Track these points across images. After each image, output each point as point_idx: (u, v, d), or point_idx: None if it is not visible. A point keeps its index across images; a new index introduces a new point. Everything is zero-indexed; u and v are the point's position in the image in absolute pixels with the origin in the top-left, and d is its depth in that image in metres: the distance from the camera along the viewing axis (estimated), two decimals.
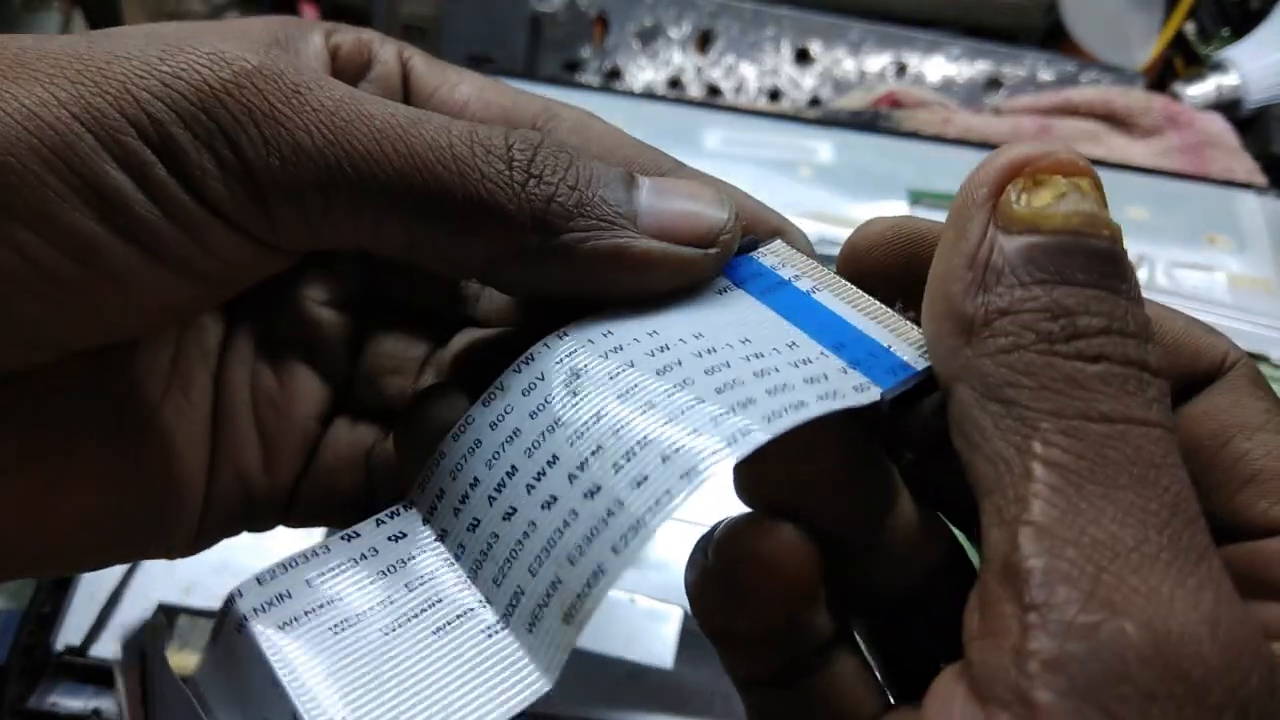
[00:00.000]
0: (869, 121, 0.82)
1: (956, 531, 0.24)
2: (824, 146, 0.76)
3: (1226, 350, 0.23)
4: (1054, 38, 0.94)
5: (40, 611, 0.51)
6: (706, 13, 0.88)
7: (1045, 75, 0.89)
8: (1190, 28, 0.95)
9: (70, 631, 0.51)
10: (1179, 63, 0.95)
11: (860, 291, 0.24)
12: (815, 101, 0.88)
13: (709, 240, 0.24)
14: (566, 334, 0.23)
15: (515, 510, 0.22)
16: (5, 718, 0.48)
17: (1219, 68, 0.89)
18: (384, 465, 0.28)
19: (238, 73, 0.21)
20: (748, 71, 0.88)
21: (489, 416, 0.23)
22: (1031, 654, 0.17)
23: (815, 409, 0.21)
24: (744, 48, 0.88)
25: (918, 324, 0.23)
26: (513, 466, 0.22)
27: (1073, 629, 0.17)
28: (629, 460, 0.21)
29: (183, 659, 0.51)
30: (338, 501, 0.28)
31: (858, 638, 0.25)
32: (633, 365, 0.22)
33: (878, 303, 0.24)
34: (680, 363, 0.22)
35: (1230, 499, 0.21)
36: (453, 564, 0.23)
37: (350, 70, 0.27)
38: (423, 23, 0.83)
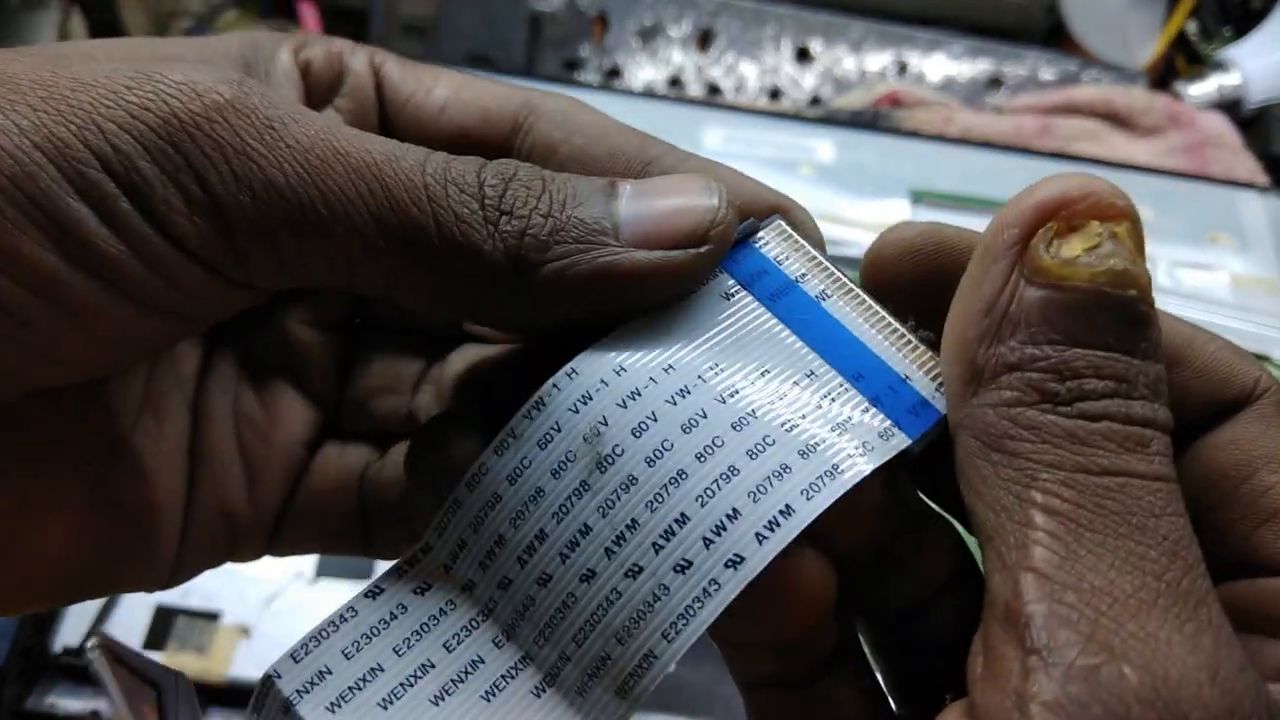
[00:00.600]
0: (870, 120, 0.82)
1: (966, 536, 0.24)
2: (825, 146, 0.76)
3: (1258, 377, 0.22)
4: (1055, 36, 0.94)
5: (38, 613, 0.51)
6: (707, 11, 0.88)
7: (1047, 74, 0.89)
8: (1192, 27, 0.94)
9: (68, 633, 0.50)
10: (1181, 62, 0.94)
11: (871, 302, 0.23)
12: (816, 100, 0.87)
13: (700, 237, 0.22)
14: (576, 373, 0.22)
15: (550, 578, 0.21)
16: (4, 718, 0.48)
17: (1221, 67, 0.89)
18: (378, 489, 0.27)
19: (209, 105, 0.20)
20: (748, 70, 0.88)
21: (505, 468, 0.22)
22: (1032, 696, 0.17)
23: (850, 477, 0.21)
24: (744, 46, 0.88)
25: (932, 343, 0.22)
26: (541, 531, 0.21)
27: (1073, 672, 0.17)
28: (668, 540, 0.20)
29: (182, 660, 0.51)
30: (327, 529, 0.27)
31: (863, 643, 0.24)
32: (655, 419, 0.21)
33: (890, 318, 0.23)
34: (705, 415, 0.21)
35: (1250, 534, 0.21)
36: (485, 619, 0.22)
37: (322, 85, 0.26)
38: (422, 22, 0.82)
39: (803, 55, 0.89)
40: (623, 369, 0.22)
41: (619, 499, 0.21)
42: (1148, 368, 0.19)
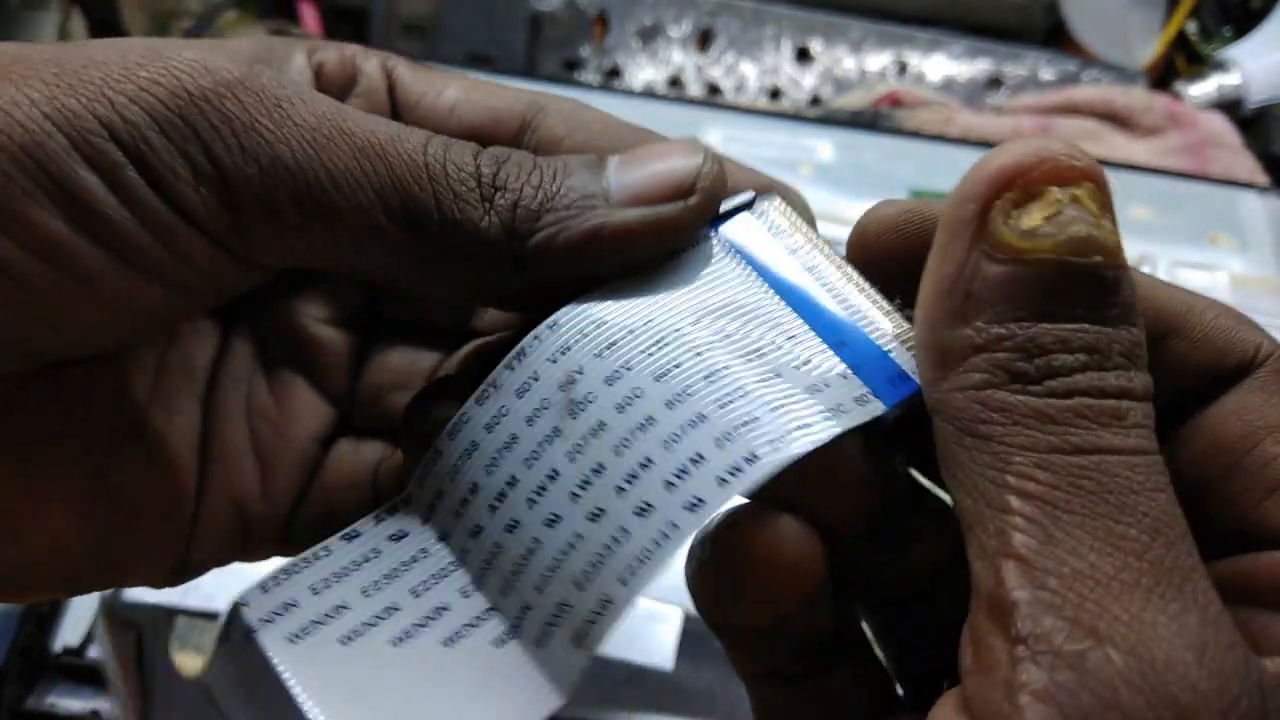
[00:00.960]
0: (870, 120, 0.82)
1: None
2: (825, 145, 0.76)
3: (1260, 343, 0.21)
4: (1055, 37, 0.94)
5: (38, 612, 0.51)
6: (706, 11, 0.88)
7: (1047, 74, 0.89)
8: (1192, 27, 0.94)
9: (68, 632, 0.51)
10: (1181, 62, 0.94)
11: (862, 280, 0.23)
12: (816, 100, 0.87)
13: (687, 189, 0.23)
14: (558, 324, 0.23)
15: (518, 524, 0.22)
16: (4, 718, 0.48)
17: (1221, 67, 0.89)
18: (390, 484, 0.27)
19: (219, 81, 0.21)
20: (748, 70, 0.88)
21: (484, 417, 0.23)
22: (1021, 686, 0.17)
23: (820, 433, 0.20)
24: (744, 46, 0.88)
25: (909, 317, 0.22)
26: (513, 476, 0.22)
27: (1060, 659, 0.17)
28: (631, 484, 0.20)
29: (183, 660, 0.51)
30: (341, 526, 0.27)
31: (867, 631, 0.24)
32: (629, 368, 0.22)
33: (878, 295, 0.23)
34: (679, 365, 0.22)
35: (1255, 506, 0.20)
36: (456, 568, 0.22)
37: (335, 86, 0.26)
38: (422, 22, 0.82)
39: (803, 55, 0.89)
40: (603, 322, 0.22)
41: (587, 444, 0.21)
42: (1120, 334, 0.19)
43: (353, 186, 0.21)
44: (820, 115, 0.82)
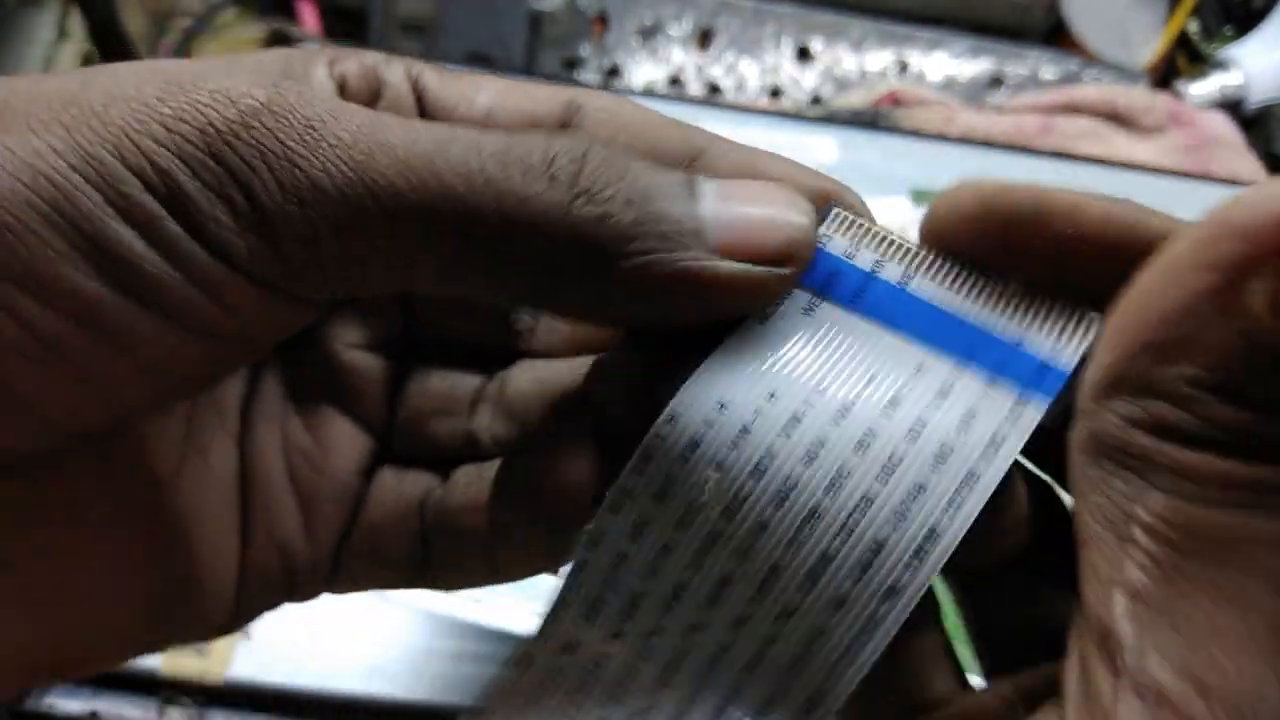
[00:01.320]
0: (871, 120, 0.81)
1: (1059, 490, 0.23)
2: (825, 145, 0.76)
3: (1163, 227, 0.20)
4: (1056, 36, 0.94)
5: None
6: (707, 10, 0.88)
7: (1048, 73, 0.89)
8: (1193, 26, 0.94)
9: None
10: (1182, 61, 0.94)
11: (954, 270, 0.21)
12: (816, 100, 0.87)
13: (786, 256, 0.21)
14: (677, 417, 0.20)
15: (699, 627, 0.20)
16: (2, 718, 0.48)
17: (1222, 66, 0.88)
18: (442, 516, 0.26)
19: (244, 111, 0.19)
20: (749, 69, 0.88)
21: (624, 526, 0.21)
22: None
23: (991, 476, 0.19)
24: (745, 45, 0.88)
25: (1028, 291, 0.21)
26: (679, 583, 0.20)
27: (1162, 700, 0.17)
28: (815, 583, 0.19)
29: (182, 660, 0.51)
30: (388, 560, 0.26)
31: (950, 604, 0.24)
32: (773, 456, 0.20)
33: (980, 280, 0.21)
34: (823, 443, 0.20)
35: None
36: (642, 668, 0.21)
37: (359, 100, 0.24)
38: (421, 21, 0.82)
39: (803, 54, 0.89)
40: (724, 405, 0.20)
41: (755, 545, 0.20)
42: None
43: (400, 204, 0.20)
44: (821, 115, 0.82)
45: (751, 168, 0.23)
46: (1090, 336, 0.21)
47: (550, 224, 0.20)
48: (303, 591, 0.26)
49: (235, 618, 0.25)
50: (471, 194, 0.20)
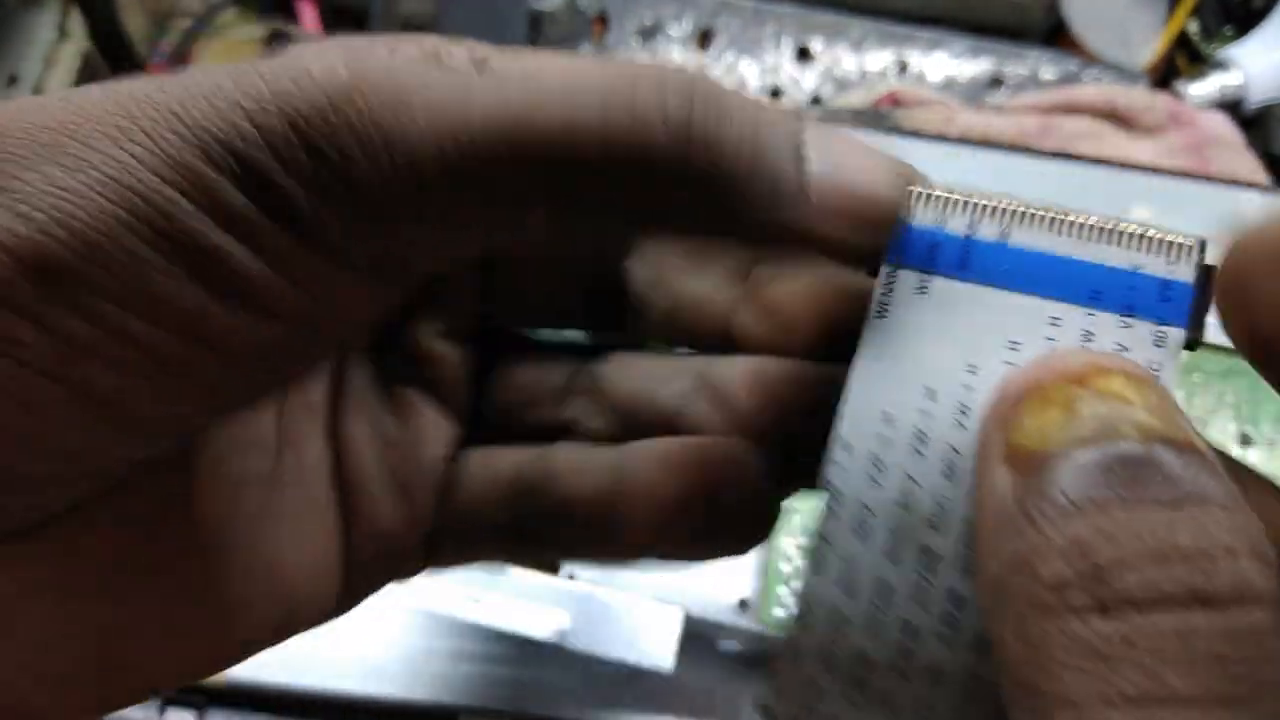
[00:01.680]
0: (871, 120, 0.81)
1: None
2: None
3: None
4: (1056, 36, 0.94)
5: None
6: (707, 10, 0.88)
7: (1047, 73, 0.89)
8: (1193, 26, 0.94)
9: None
10: (1182, 61, 0.94)
11: (1051, 212, 0.21)
12: (817, 100, 0.87)
13: (878, 229, 0.21)
14: (849, 445, 0.20)
15: (942, 670, 0.20)
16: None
17: (1222, 66, 0.88)
18: (533, 490, 0.26)
19: (329, 91, 0.18)
20: (748, 69, 0.88)
21: (831, 582, 0.20)
22: None
23: None
24: (745, 45, 0.88)
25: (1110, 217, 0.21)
26: (908, 624, 0.20)
27: None
28: None
29: None
30: (482, 538, 0.27)
31: None
32: (958, 453, 0.20)
33: (1079, 215, 0.21)
34: None
35: None
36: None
37: None
38: (421, 20, 0.82)
39: (803, 54, 0.89)
40: (889, 414, 0.20)
41: (971, 550, 0.19)
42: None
43: (500, 165, 0.19)
44: (821, 115, 0.82)
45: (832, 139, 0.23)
46: (1196, 251, 0.21)
47: (661, 157, 0.20)
48: (403, 572, 0.27)
49: (340, 605, 0.26)
50: (575, 149, 0.19)
